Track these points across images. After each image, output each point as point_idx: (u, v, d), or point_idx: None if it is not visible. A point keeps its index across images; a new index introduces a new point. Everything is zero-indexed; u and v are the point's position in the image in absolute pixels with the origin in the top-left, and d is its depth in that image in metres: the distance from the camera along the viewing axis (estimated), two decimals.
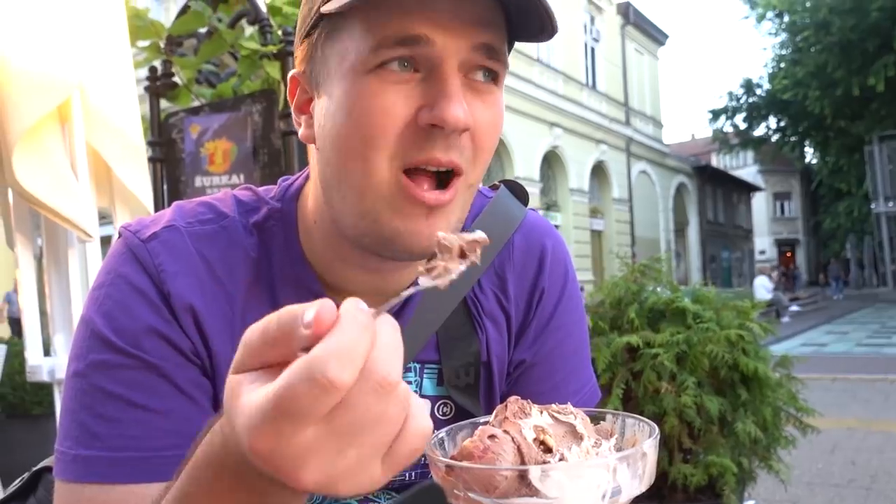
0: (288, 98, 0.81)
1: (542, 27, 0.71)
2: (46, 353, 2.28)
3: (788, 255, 44.77)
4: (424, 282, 0.50)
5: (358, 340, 0.41)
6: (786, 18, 30.90)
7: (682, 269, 29.57)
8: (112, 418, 0.72)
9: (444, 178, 0.71)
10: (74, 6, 2.04)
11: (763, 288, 18.64)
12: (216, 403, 0.76)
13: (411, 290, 0.51)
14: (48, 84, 1.92)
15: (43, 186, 1.94)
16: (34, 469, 0.99)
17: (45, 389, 4.69)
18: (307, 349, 0.41)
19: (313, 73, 0.75)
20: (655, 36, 29.23)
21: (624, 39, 26.43)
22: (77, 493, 0.71)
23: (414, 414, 0.44)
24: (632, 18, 26.66)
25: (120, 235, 0.80)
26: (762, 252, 43.31)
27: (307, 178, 0.86)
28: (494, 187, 0.98)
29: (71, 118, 2.07)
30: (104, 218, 2.28)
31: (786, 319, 18.17)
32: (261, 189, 0.87)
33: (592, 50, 24.54)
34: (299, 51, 0.78)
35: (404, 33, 0.67)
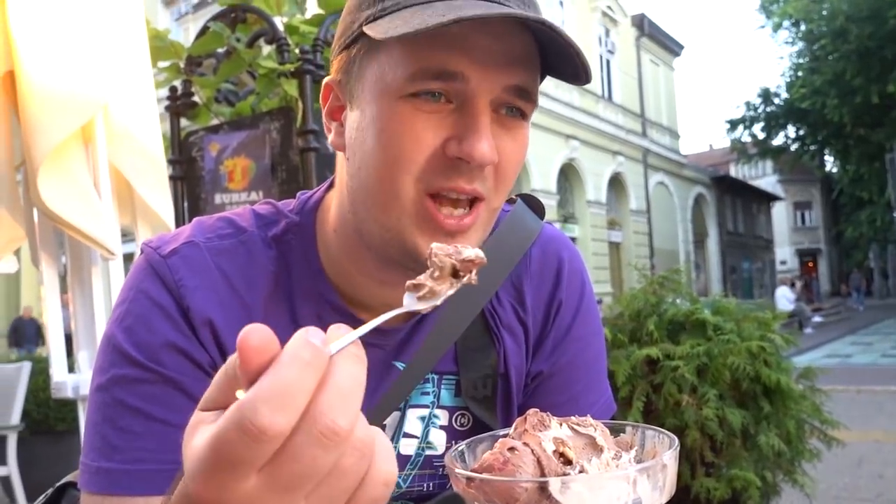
0: (321, 102, 0.83)
1: (576, 73, 0.74)
2: (71, 369, 2.31)
3: (810, 265, 44.21)
4: (409, 302, 0.48)
5: (296, 381, 0.36)
6: (802, 27, 30.68)
7: (701, 280, 29.31)
8: (131, 431, 0.73)
9: (466, 202, 0.74)
10: (97, 28, 2.08)
11: (785, 299, 18.42)
12: None
13: (388, 315, 0.48)
14: (72, 104, 1.96)
15: (67, 206, 1.97)
16: (58, 484, 1.00)
17: (68, 406, 4.75)
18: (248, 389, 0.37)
19: (348, 85, 0.77)
20: (671, 47, 29.18)
21: (639, 51, 26.39)
22: None
23: (378, 462, 0.41)
24: (646, 30, 26.64)
25: (142, 252, 0.82)
26: (783, 262, 42.81)
27: (327, 189, 0.88)
28: (511, 201, 1.00)
29: (94, 138, 2.11)
30: (126, 236, 2.31)
31: (809, 331, 17.93)
32: (280, 203, 0.89)
33: (608, 62, 24.53)
34: (336, 60, 0.80)
35: (442, 68, 0.69)
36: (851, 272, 34.79)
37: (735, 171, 41.26)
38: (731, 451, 2.50)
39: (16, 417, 4.33)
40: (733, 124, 33.15)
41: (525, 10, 0.70)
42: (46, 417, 5.11)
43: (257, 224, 0.84)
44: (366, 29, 0.71)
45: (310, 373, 0.37)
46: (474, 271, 0.50)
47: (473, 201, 0.74)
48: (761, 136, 33.29)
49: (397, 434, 0.87)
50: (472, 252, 0.49)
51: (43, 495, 1.01)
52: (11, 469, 4.23)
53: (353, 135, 0.76)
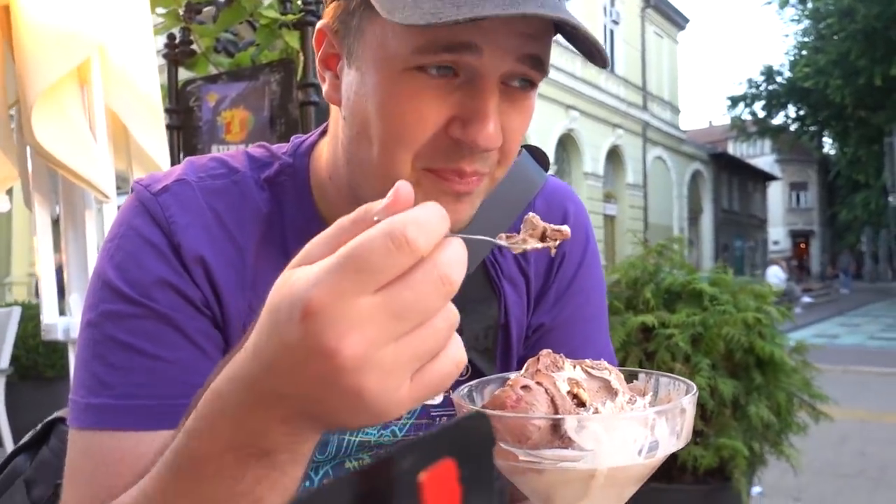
0: (314, 47, 0.79)
1: (591, 55, 0.70)
2: (62, 313, 2.29)
3: (803, 246, 44.45)
4: (500, 241, 0.52)
5: (438, 221, 0.41)
6: (809, 5, 30.39)
7: (694, 256, 29.43)
8: (122, 367, 0.72)
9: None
10: None
11: (776, 278, 18.53)
12: (226, 354, 0.77)
13: (481, 238, 0.52)
14: (69, 43, 1.91)
15: (61, 146, 1.93)
16: (47, 420, 1.00)
17: (57, 353, 4.76)
18: None
19: (346, 38, 0.72)
20: (676, 20, 28.85)
21: (644, 22, 26.09)
22: (89, 440, 0.72)
23: (455, 342, 0.44)
24: (652, 1, 26.31)
25: (132, 190, 0.80)
26: (776, 242, 43.02)
27: (321, 134, 0.86)
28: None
29: (90, 80, 2.06)
30: (121, 189, 2.27)
31: (798, 310, 18.08)
32: (274, 146, 0.87)
33: (612, 32, 24.26)
34: (332, 5, 0.75)
35: (453, 39, 0.64)
36: (840, 254, 34.99)
37: (733, 148, 41.18)
38: (720, 420, 2.51)
39: (4, 361, 4.34)
40: (734, 101, 33.03)
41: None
42: (35, 364, 5.11)
43: (250, 166, 0.82)
44: None
45: (444, 222, 0.42)
46: (558, 241, 0.53)
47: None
48: (761, 114, 33.22)
49: None
50: (565, 226, 0.53)
51: (32, 430, 1.00)
52: None
53: (352, 97, 0.72)
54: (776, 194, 43.45)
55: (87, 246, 2.15)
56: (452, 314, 0.43)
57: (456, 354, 0.44)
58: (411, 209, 0.42)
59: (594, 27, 22.71)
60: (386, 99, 0.67)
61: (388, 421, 0.47)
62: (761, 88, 32.85)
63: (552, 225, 0.52)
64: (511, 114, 0.69)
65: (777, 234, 43.66)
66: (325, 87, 0.77)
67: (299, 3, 3.04)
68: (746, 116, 33.66)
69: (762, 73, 32.99)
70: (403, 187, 0.43)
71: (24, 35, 1.87)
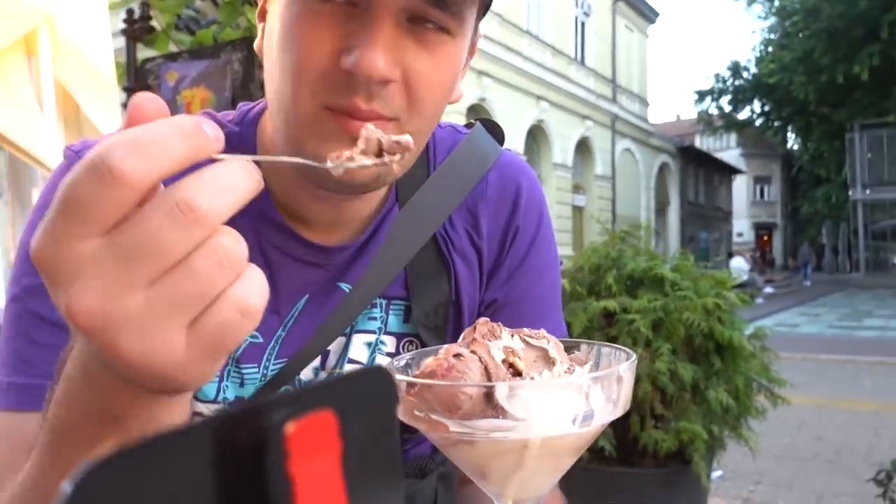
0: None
1: None
2: None
3: (766, 238, 45.26)
4: (318, 163, 0.45)
5: (164, 139, 0.34)
6: (776, 2, 30.87)
7: (661, 247, 29.78)
8: (45, 344, 0.68)
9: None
10: None
11: (739, 268, 18.84)
12: None
13: (291, 159, 0.46)
14: (14, 12, 1.83)
15: (7, 121, 1.86)
16: None
17: None
18: None
19: None
20: (646, 13, 29.05)
21: (615, 15, 26.22)
22: (12, 421, 0.69)
23: (240, 284, 0.36)
24: None
25: (64, 156, 0.76)
26: (740, 234, 43.73)
27: (267, 104, 0.82)
28: (470, 125, 0.95)
29: (38, 51, 1.98)
30: None
31: (759, 301, 18.41)
32: (220, 114, 0.84)
33: (583, 24, 24.34)
34: None
35: None
36: (801, 246, 35.74)
37: (700, 142, 41.72)
38: (680, 404, 2.53)
39: None
40: (701, 95, 33.47)
41: None
42: None
43: None
44: None
45: (181, 140, 0.34)
46: (398, 155, 0.47)
47: (380, 120, 0.67)
48: (728, 108, 33.72)
49: (341, 360, 0.83)
50: (405, 137, 0.47)
51: None
52: None
53: (267, 41, 0.70)
54: (741, 188, 44.15)
55: None
56: (223, 251, 0.35)
57: (239, 299, 0.36)
58: (133, 128, 0.35)
59: (565, 18, 22.79)
60: (284, 29, 0.66)
61: (198, 385, 0.40)
62: (728, 83, 33.32)
63: (391, 136, 0.47)
64: (419, 55, 0.66)
65: (741, 226, 44.39)
66: (255, 41, 0.75)
67: None
68: (713, 111, 34.15)
69: (729, 69, 33.46)
70: (146, 100, 0.36)
71: None
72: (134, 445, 0.19)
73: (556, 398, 0.47)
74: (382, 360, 0.85)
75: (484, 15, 0.76)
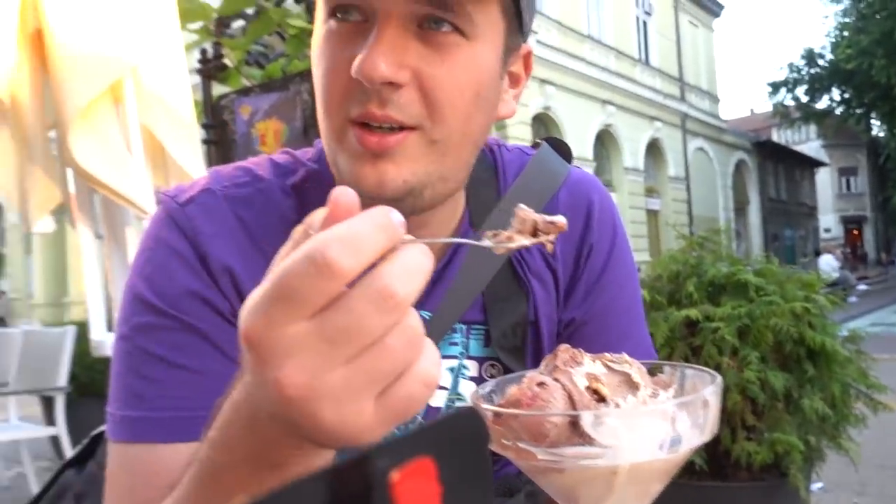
0: None
1: None
2: (110, 328, 2.35)
3: (855, 232, 43.07)
4: (478, 242, 0.48)
5: (368, 235, 0.38)
6: None
7: (742, 248, 28.73)
8: (155, 379, 0.72)
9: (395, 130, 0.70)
10: None
11: (829, 266, 17.99)
12: None
13: (459, 240, 0.49)
14: (101, 64, 1.96)
15: (100, 165, 1.98)
16: (93, 434, 1.01)
17: None
18: None
19: None
20: (710, 7, 28.31)
21: (677, 12, 25.66)
22: (125, 453, 0.73)
23: (424, 359, 0.40)
24: None
25: (159, 202, 0.81)
26: (827, 230, 41.78)
27: None
28: (536, 145, 0.96)
29: (124, 98, 2.11)
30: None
31: (853, 299, 17.49)
32: (298, 152, 0.87)
33: (644, 24, 23.92)
34: None
35: None
36: (893, 239, 33.76)
37: (777, 136, 40.19)
38: (773, 414, 2.44)
39: (63, 380, 4.47)
40: (775, 87, 32.22)
41: None
42: (92, 380, 5.26)
43: (275, 173, 0.82)
44: None
45: (382, 234, 0.39)
46: (553, 236, 0.49)
47: (402, 130, 0.68)
48: (805, 99, 32.33)
49: None
50: (559, 217, 0.49)
51: (80, 444, 1.02)
52: (60, 429, 4.38)
53: None
54: (825, 180, 42.22)
55: (129, 261, 2.20)
56: (411, 330, 0.39)
57: (423, 373, 0.40)
58: (341, 224, 0.39)
59: (626, 20, 22.46)
60: (315, 53, 0.71)
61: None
62: (803, 72, 31.97)
63: (545, 216, 0.48)
64: (431, 59, 0.67)
65: (828, 221, 42.40)
66: None
67: None
68: (789, 102, 32.81)
69: (803, 57, 32.11)
70: (343, 195, 0.40)
71: (57, 57, 1.93)
72: (263, 498, 0.21)
73: (642, 425, 0.47)
74: (465, 385, 0.87)
75: (521, 26, 0.75)
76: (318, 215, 0.41)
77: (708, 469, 2.43)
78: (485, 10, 0.68)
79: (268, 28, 3.22)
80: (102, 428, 0.99)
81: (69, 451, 4.29)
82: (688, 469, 2.43)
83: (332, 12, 0.67)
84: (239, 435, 0.47)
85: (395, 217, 0.40)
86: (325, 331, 0.38)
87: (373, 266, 0.39)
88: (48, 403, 4.63)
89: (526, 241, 0.48)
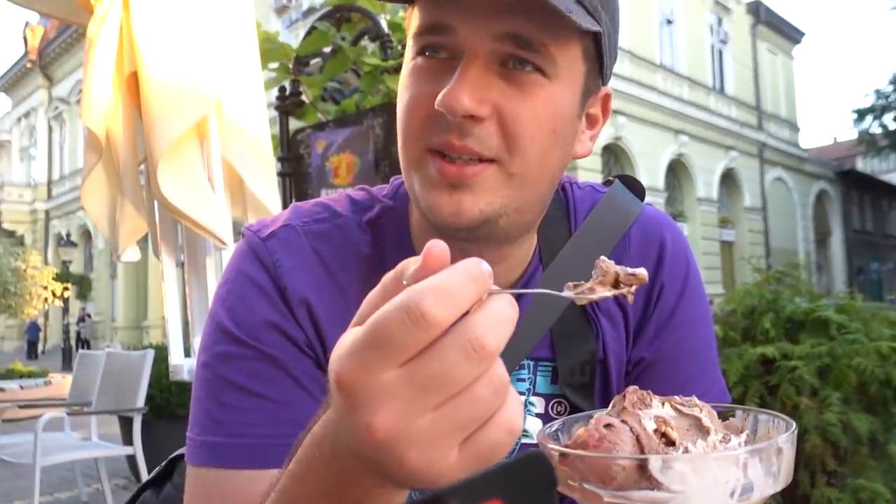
0: None
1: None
2: (187, 354, 2.44)
3: None
4: (566, 292, 0.49)
5: (461, 286, 0.39)
6: None
7: (824, 282, 27.50)
8: (233, 406, 0.75)
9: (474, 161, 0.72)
10: (212, 32, 2.19)
11: None
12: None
13: (542, 291, 0.51)
14: (189, 102, 2.07)
15: (184, 198, 2.08)
16: (171, 456, 1.05)
17: (187, 392, 5.04)
18: None
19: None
20: (790, 34, 27.57)
21: (755, 39, 25.10)
22: (204, 477, 0.76)
23: (508, 407, 0.41)
24: (763, 17, 25.29)
25: (243, 235, 0.85)
26: None
27: None
28: (608, 182, 0.96)
29: (209, 134, 2.22)
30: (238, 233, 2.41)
31: None
32: (374, 189, 0.90)
33: (720, 52, 23.49)
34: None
35: (434, 21, 0.69)
36: None
37: (863, 164, 38.48)
38: (856, 459, 2.31)
39: (141, 401, 4.65)
40: (861, 114, 30.93)
41: None
42: (168, 402, 5.46)
43: (352, 209, 0.85)
44: None
45: (474, 286, 0.40)
46: (634, 287, 0.50)
47: (481, 163, 0.71)
48: (893, 126, 30.84)
49: None
50: (640, 269, 0.50)
51: (158, 466, 1.06)
52: (137, 449, 4.55)
53: None
54: None
55: (208, 290, 2.29)
56: (498, 379, 0.40)
57: (508, 421, 0.41)
58: (435, 275, 0.40)
59: (700, 48, 22.11)
60: (401, 86, 0.74)
61: None
62: (891, 98, 30.61)
63: (626, 269, 0.49)
64: (511, 95, 0.69)
65: None
66: None
67: (399, 48, 3.17)
68: (875, 129, 31.41)
69: (891, 83, 30.76)
70: (435, 247, 0.42)
71: (150, 97, 2.05)
72: None
73: (712, 471, 0.47)
74: (532, 422, 0.86)
75: (602, 67, 0.77)
76: (410, 265, 0.42)
77: None
78: (567, 52, 0.71)
79: (343, 66, 3.33)
80: (180, 451, 1.04)
81: (144, 471, 4.45)
82: None
83: (422, 51, 0.71)
84: (319, 470, 0.49)
85: (485, 268, 0.41)
86: (416, 378, 0.39)
87: (464, 315, 0.40)
88: (126, 423, 4.81)
89: (607, 292, 0.48)
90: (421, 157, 0.72)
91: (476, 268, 0.41)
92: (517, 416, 0.42)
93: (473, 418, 0.40)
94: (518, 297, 0.86)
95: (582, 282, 0.49)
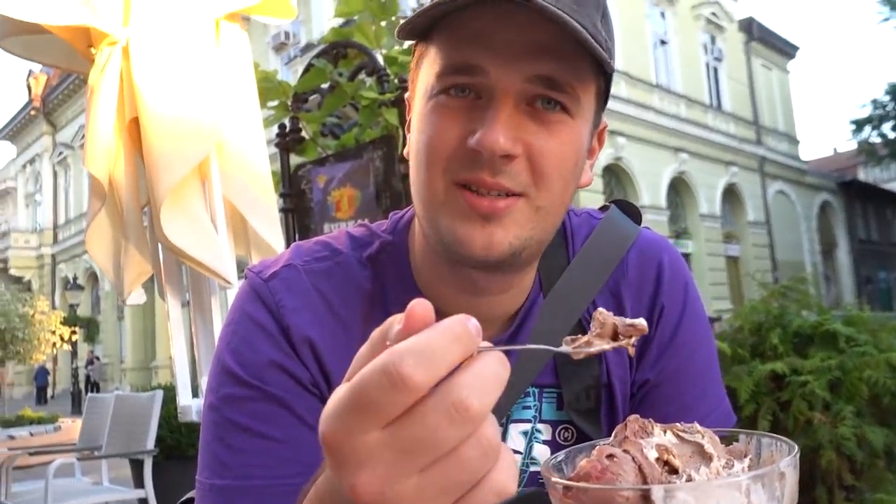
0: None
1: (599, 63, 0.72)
2: (195, 394, 2.44)
3: None
4: (563, 347, 0.49)
5: (442, 347, 0.38)
6: None
7: (832, 293, 27.33)
8: (239, 448, 0.76)
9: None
10: (211, 75, 2.23)
11: None
12: None
13: (538, 347, 0.51)
14: (190, 145, 2.10)
15: (187, 240, 2.10)
16: (182, 500, 1.05)
17: (197, 432, 5.03)
18: None
19: (412, 96, 0.81)
20: (783, 49, 27.77)
21: (749, 56, 25.29)
22: None
23: (498, 470, 0.40)
24: (756, 34, 25.51)
25: (245, 277, 0.86)
26: None
27: None
28: (605, 208, 0.97)
29: (210, 175, 2.25)
30: (242, 271, 2.42)
31: None
32: (374, 224, 0.91)
33: (715, 70, 23.65)
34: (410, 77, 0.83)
35: (462, 62, 0.70)
36: None
37: (864, 174, 38.47)
38: (873, 473, 2.28)
39: (150, 443, 4.63)
40: (859, 125, 30.96)
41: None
42: (179, 443, 5.43)
43: (352, 246, 0.86)
44: (398, 32, 0.76)
45: (457, 346, 0.39)
46: (634, 338, 0.50)
47: (510, 196, 0.72)
48: (892, 134, 30.87)
49: None
50: (640, 320, 0.50)
51: None
52: (148, 491, 4.52)
53: (409, 142, 0.79)
54: None
55: (214, 329, 2.30)
56: (486, 441, 0.39)
57: (498, 485, 0.40)
58: (417, 336, 0.39)
59: (695, 66, 22.29)
60: (421, 125, 0.74)
61: None
62: (889, 108, 30.68)
63: (625, 320, 0.49)
64: (540, 134, 0.71)
65: None
66: (405, 149, 0.83)
67: (395, 81, 3.21)
68: (875, 139, 31.44)
69: (888, 92, 30.83)
70: (418, 306, 0.40)
71: (152, 141, 2.08)
72: None
73: (715, 499, 0.47)
74: (539, 449, 0.87)
75: (605, 103, 0.80)
76: (395, 324, 0.41)
77: None
78: (587, 92, 0.74)
79: (342, 101, 3.37)
80: (190, 494, 1.04)
81: None
82: None
83: (446, 89, 0.72)
84: None
85: (472, 326, 0.40)
86: (398, 441, 0.39)
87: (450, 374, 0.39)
88: (137, 466, 4.79)
89: (606, 345, 0.48)
90: (448, 191, 0.72)
91: (461, 326, 0.39)
92: (508, 479, 0.41)
93: (461, 482, 0.39)
94: (519, 327, 0.87)
95: (579, 335, 0.49)
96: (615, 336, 0.49)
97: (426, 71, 0.75)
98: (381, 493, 0.39)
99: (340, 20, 3.77)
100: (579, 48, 0.69)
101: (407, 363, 0.37)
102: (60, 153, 32.87)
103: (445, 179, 0.72)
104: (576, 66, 0.71)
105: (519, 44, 0.69)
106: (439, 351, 0.38)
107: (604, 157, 17.37)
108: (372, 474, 0.39)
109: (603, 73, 0.76)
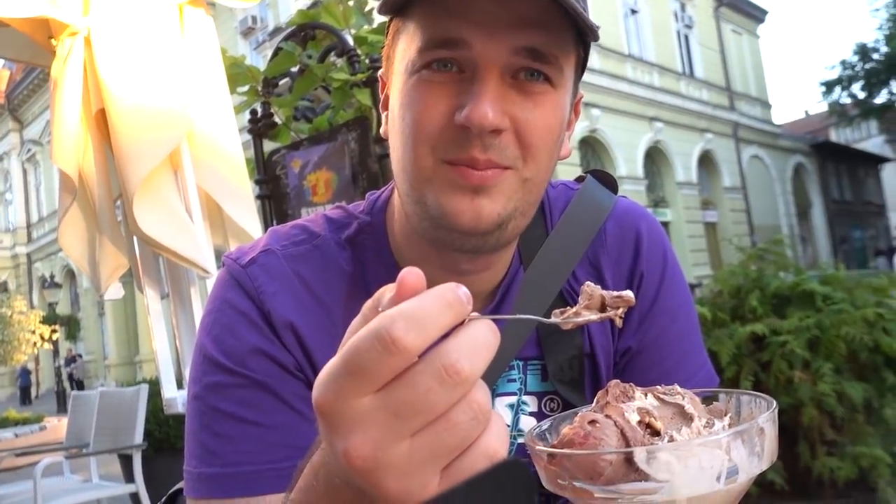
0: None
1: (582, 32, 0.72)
2: (180, 386, 2.43)
3: None
4: (547, 319, 0.49)
5: (434, 312, 0.39)
6: None
7: (809, 253, 27.74)
8: (227, 436, 0.76)
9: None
10: (177, 62, 2.19)
11: None
12: None
13: (527, 317, 0.51)
14: (160, 134, 2.07)
15: (162, 231, 2.08)
16: (170, 492, 1.05)
17: (185, 424, 5.02)
18: None
19: (388, 73, 0.80)
20: (753, 14, 27.86)
21: (719, 22, 25.34)
22: None
23: (489, 434, 0.41)
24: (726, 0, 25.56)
25: (223, 264, 0.85)
26: None
27: (393, 188, 0.88)
28: (581, 179, 0.97)
29: (182, 165, 2.22)
30: (220, 260, 2.40)
31: None
32: (350, 206, 0.90)
33: (686, 37, 23.69)
34: (382, 51, 0.82)
35: (444, 36, 0.69)
36: None
37: (836, 135, 38.92)
38: (853, 427, 2.34)
39: (139, 437, 4.61)
40: (829, 86, 31.23)
41: None
42: (167, 436, 5.42)
43: (329, 228, 0.86)
44: (377, 9, 0.74)
45: (448, 312, 0.39)
46: (621, 310, 0.50)
47: (498, 168, 0.71)
48: (862, 95, 31.19)
49: None
50: (627, 292, 0.50)
51: (159, 502, 1.06)
52: (139, 485, 4.51)
53: (389, 118, 0.78)
54: (892, 177, 40.49)
55: (195, 320, 2.28)
56: (477, 405, 0.40)
57: (489, 449, 0.41)
58: (408, 301, 0.39)
59: (666, 35, 22.30)
60: (403, 100, 0.73)
61: None
62: (857, 68, 30.94)
63: (612, 292, 0.49)
64: (525, 106, 0.71)
65: None
66: (381, 127, 0.82)
67: (367, 61, 3.17)
68: (845, 100, 31.75)
69: (856, 53, 31.09)
70: (410, 274, 0.41)
71: (119, 133, 2.04)
72: None
73: (696, 457, 0.47)
74: (526, 421, 0.87)
75: (582, 73, 0.80)
76: (387, 292, 0.42)
77: (790, 488, 2.34)
78: (569, 62, 0.74)
79: (312, 84, 3.32)
80: (179, 485, 1.03)
81: None
82: (767, 488, 2.35)
83: (428, 64, 0.71)
84: (317, 497, 0.49)
85: (462, 293, 0.40)
86: (390, 405, 0.39)
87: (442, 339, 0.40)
88: (126, 461, 4.77)
89: (593, 316, 0.49)
90: (436, 169, 0.72)
91: (452, 293, 0.40)
92: (499, 443, 0.41)
93: (452, 445, 0.40)
94: (501, 301, 0.87)
95: (568, 307, 0.50)
96: (603, 308, 0.49)
97: (405, 46, 0.73)
98: (374, 457, 0.40)
99: (307, 1, 3.72)
100: (563, 19, 0.69)
101: (398, 326, 0.38)
102: (29, 150, 32.22)
103: (434, 157, 0.71)
104: (560, 36, 0.70)
105: (503, 15, 0.68)
106: (431, 316, 0.39)
107: (579, 129, 17.38)
108: (364, 438, 0.40)
109: (582, 43, 0.76)
